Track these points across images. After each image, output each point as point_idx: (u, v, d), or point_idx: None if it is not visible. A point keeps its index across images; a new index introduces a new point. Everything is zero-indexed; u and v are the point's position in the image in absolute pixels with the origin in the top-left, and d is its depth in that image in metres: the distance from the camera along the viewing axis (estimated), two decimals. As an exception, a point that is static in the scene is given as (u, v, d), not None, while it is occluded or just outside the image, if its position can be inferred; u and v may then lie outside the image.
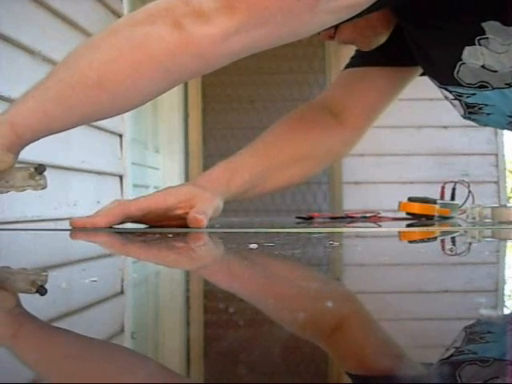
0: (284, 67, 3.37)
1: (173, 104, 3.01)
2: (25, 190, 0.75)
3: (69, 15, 1.54)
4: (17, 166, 0.75)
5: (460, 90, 0.89)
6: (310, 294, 0.35)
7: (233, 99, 3.27)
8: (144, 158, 2.53)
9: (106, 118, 0.78)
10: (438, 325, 0.26)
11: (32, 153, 1.33)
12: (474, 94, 0.88)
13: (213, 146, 3.33)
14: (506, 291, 0.34)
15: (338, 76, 1.14)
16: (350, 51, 1.10)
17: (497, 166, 3.37)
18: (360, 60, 1.07)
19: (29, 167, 0.75)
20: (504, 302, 0.31)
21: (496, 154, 3.37)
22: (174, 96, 3.00)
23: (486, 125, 0.99)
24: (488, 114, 0.93)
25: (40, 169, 0.75)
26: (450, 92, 0.91)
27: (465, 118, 0.97)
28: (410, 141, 3.34)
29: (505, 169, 3.45)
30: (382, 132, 3.32)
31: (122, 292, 0.36)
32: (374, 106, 1.07)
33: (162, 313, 0.31)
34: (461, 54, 0.82)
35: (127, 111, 0.79)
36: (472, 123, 1.03)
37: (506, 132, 3.51)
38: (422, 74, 1.08)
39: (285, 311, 0.29)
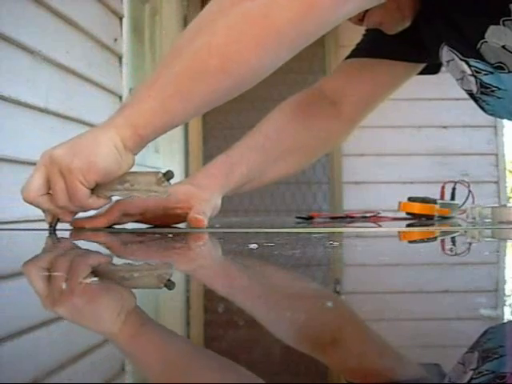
0: (284, 67, 3.37)
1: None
2: (150, 195, 0.73)
3: (69, 15, 1.54)
4: (143, 170, 0.74)
5: (480, 65, 0.88)
6: (309, 294, 0.35)
7: (233, 99, 3.26)
8: (144, 158, 2.53)
9: (227, 100, 0.75)
10: (438, 325, 0.26)
11: (32, 153, 1.33)
12: (492, 73, 0.88)
13: (213, 146, 3.33)
14: (506, 291, 0.34)
15: (338, 66, 1.13)
16: (349, 51, 1.10)
17: (497, 165, 3.37)
18: (361, 51, 1.07)
19: (156, 172, 0.73)
20: (504, 301, 0.31)
21: (496, 154, 3.37)
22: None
23: (492, 114, 0.98)
24: (498, 98, 0.92)
25: (169, 175, 0.73)
26: (470, 66, 0.90)
27: (473, 97, 0.96)
28: (410, 141, 3.34)
29: (505, 169, 3.45)
30: (382, 132, 3.32)
31: (122, 292, 0.36)
32: (372, 96, 1.07)
33: (162, 313, 0.31)
34: (485, 31, 0.83)
35: (247, 88, 0.76)
36: (472, 122, 1.02)
37: (506, 132, 3.50)
38: (420, 73, 1.08)
39: (284, 311, 0.29)
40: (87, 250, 0.60)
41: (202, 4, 3.33)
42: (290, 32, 0.69)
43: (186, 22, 3.18)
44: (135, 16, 2.42)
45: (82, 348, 0.23)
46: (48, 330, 0.26)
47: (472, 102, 0.99)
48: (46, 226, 0.76)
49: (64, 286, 0.35)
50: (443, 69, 1.03)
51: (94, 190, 0.71)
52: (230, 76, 0.71)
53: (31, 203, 0.72)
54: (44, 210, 0.74)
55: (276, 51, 0.71)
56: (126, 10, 1.98)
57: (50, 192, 0.71)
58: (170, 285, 0.37)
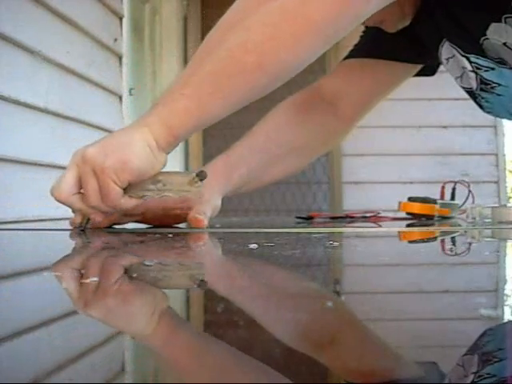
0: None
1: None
2: (182, 195, 0.73)
3: (69, 15, 1.54)
4: (175, 170, 0.73)
5: (481, 61, 0.88)
6: (308, 294, 0.35)
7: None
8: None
9: (262, 96, 0.75)
10: (438, 325, 0.26)
11: (32, 153, 1.33)
12: (493, 69, 0.88)
13: (213, 146, 3.33)
14: (506, 291, 0.34)
15: (337, 66, 1.14)
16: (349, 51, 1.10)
17: (497, 165, 3.37)
18: (359, 51, 1.07)
19: (190, 173, 0.73)
20: (504, 302, 0.31)
21: (496, 154, 3.37)
22: (173, 96, 3.00)
23: (489, 111, 0.98)
24: (498, 95, 0.92)
25: (202, 175, 0.72)
26: (470, 63, 0.90)
27: (472, 95, 0.96)
28: (410, 141, 3.34)
29: (505, 169, 3.44)
30: (382, 132, 3.32)
31: (121, 292, 0.36)
32: (370, 96, 1.07)
33: (162, 313, 0.31)
34: (486, 28, 0.83)
35: (282, 83, 0.75)
36: (472, 122, 1.02)
37: (506, 132, 3.50)
38: (417, 75, 1.08)
39: (285, 311, 0.29)
40: (118, 251, 0.59)
41: (202, 4, 3.33)
42: (327, 27, 0.69)
43: (185, 21, 3.18)
44: (135, 16, 2.42)
45: (82, 348, 0.23)
46: (48, 330, 0.26)
47: (472, 102, 0.99)
48: (45, 226, 0.76)
49: (96, 286, 0.35)
50: (443, 69, 1.03)
51: (126, 189, 0.70)
52: (266, 73, 0.70)
53: (63, 203, 0.71)
54: (74, 210, 0.73)
55: (312, 47, 0.71)
56: (126, 9, 1.98)
57: (82, 191, 0.70)
58: (202, 285, 0.37)
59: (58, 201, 0.71)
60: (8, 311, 0.30)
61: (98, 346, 0.23)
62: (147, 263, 0.45)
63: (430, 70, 1.08)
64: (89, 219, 0.73)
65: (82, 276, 0.40)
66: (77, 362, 0.21)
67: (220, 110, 0.72)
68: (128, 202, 0.71)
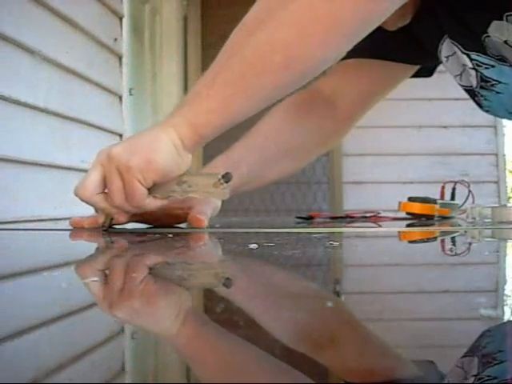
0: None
1: (173, 104, 3.00)
2: (207, 197, 0.72)
3: (69, 15, 1.54)
4: (199, 171, 0.72)
5: (482, 59, 0.88)
6: (309, 294, 0.35)
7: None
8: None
9: (287, 94, 0.74)
10: (438, 325, 0.26)
11: (32, 153, 1.33)
12: (493, 67, 0.88)
13: (213, 146, 3.32)
14: (506, 291, 0.34)
15: (335, 66, 1.14)
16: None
17: (497, 166, 3.37)
18: (357, 52, 1.07)
19: (215, 174, 0.72)
20: (504, 302, 0.31)
21: (496, 154, 3.37)
22: (173, 96, 3.00)
23: (488, 110, 0.98)
24: (497, 93, 0.92)
25: (227, 177, 0.71)
26: (471, 60, 0.90)
27: (471, 93, 0.96)
28: (410, 141, 3.34)
29: (505, 169, 3.44)
30: (382, 132, 3.32)
31: (122, 292, 0.36)
32: (368, 96, 1.07)
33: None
34: (488, 26, 0.83)
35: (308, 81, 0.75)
36: (472, 122, 1.02)
37: (506, 132, 3.49)
38: (413, 76, 1.08)
39: (284, 311, 0.29)
40: (141, 251, 0.59)
41: (202, 4, 3.33)
42: (354, 26, 0.69)
43: (186, 21, 3.18)
44: (135, 16, 2.42)
45: (82, 348, 0.23)
46: (48, 330, 0.26)
47: (472, 102, 0.99)
48: (45, 226, 0.76)
49: (122, 286, 0.35)
50: (443, 69, 1.03)
51: (150, 190, 0.69)
52: (294, 72, 0.70)
53: (87, 202, 0.71)
54: (97, 210, 0.73)
55: (340, 45, 0.71)
56: (126, 9, 1.98)
57: (106, 191, 0.70)
58: (228, 283, 0.37)
59: (82, 200, 0.70)
60: (8, 311, 0.30)
61: (98, 345, 0.23)
62: (171, 262, 0.45)
63: (427, 71, 1.09)
64: (112, 219, 0.73)
65: (105, 276, 0.40)
66: (77, 362, 0.21)
67: (246, 110, 0.72)
68: (152, 203, 0.70)
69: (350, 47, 0.73)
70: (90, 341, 0.24)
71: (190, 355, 0.23)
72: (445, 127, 3.35)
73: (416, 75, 1.08)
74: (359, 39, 0.72)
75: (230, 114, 0.71)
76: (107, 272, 0.43)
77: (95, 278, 0.37)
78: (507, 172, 3.61)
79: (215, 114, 0.69)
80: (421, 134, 3.35)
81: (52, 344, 0.24)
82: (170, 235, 0.70)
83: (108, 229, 0.73)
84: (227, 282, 0.37)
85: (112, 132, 1.86)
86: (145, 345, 0.25)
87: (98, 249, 0.64)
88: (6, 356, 0.22)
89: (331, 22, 0.68)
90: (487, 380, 0.19)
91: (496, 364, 0.21)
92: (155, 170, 0.68)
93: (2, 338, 0.24)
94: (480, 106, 0.98)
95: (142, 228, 0.82)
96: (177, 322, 0.27)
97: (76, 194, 0.70)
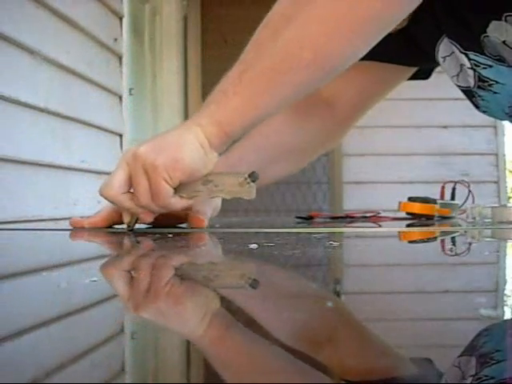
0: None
1: (173, 104, 3.01)
2: (233, 196, 0.71)
3: (69, 15, 1.54)
4: (225, 171, 0.72)
5: (480, 59, 0.89)
6: (309, 294, 0.35)
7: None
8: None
9: (315, 90, 0.74)
10: (438, 325, 0.26)
11: (32, 153, 1.33)
12: (491, 67, 0.89)
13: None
14: (506, 291, 0.34)
15: None
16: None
17: (497, 165, 3.37)
18: None
19: (242, 173, 0.72)
20: (504, 302, 0.31)
21: (496, 154, 3.37)
22: (173, 96, 3.00)
23: (485, 111, 0.98)
24: (495, 93, 0.92)
25: (254, 176, 0.71)
26: (469, 60, 0.90)
27: (469, 93, 0.96)
28: (410, 141, 3.34)
29: (505, 169, 3.45)
30: (382, 132, 3.32)
31: (122, 292, 0.36)
32: (367, 97, 1.07)
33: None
34: (487, 26, 0.83)
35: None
36: (472, 122, 1.02)
37: (505, 131, 3.49)
38: (411, 79, 1.08)
39: (284, 311, 0.29)
40: (168, 251, 0.58)
41: (202, 4, 3.33)
42: (383, 20, 0.69)
43: (185, 21, 3.18)
44: (135, 16, 2.42)
45: (82, 348, 0.23)
46: (48, 330, 0.26)
47: (471, 103, 0.99)
48: (45, 226, 0.76)
49: (148, 287, 0.35)
50: (441, 69, 1.03)
51: (176, 189, 0.69)
52: (323, 68, 0.70)
53: (112, 201, 0.70)
54: (122, 210, 0.72)
55: (368, 40, 0.70)
56: (126, 9, 1.98)
57: (132, 191, 0.69)
58: (254, 284, 0.37)
59: (107, 199, 0.70)
60: (8, 311, 0.30)
61: (98, 345, 0.23)
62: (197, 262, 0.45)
63: (424, 73, 1.09)
64: (137, 219, 0.72)
65: (132, 276, 0.40)
66: (77, 362, 0.21)
67: (273, 107, 0.72)
68: (178, 202, 0.70)
69: (377, 41, 0.72)
70: (90, 341, 0.24)
71: (216, 356, 0.22)
72: (445, 127, 3.35)
73: (413, 77, 1.08)
74: (386, 33, 0.72)
75: (258, 112, 0.70)
76: (133, 272, 0.43)
77: (94, 278, 0.37)
78: (507, 172, 3.61)
79: (242, 113, 0.69)
80: (421, 134, 3.35)
81: (52, 344, 0.24)
82: (170, 235, 0.70)
83: (133, 229, 0.73)
84: (254, 283, 0.37)
85: (112, 132, 1.86)
86: (145, 345, 0.25)
87: (119, 248, 0.65)
88: (6, 356, 0.22)
89: (360, 17, 0.67)
90: (486, 380, 0.19)
91: (495, 364, 0.21)
92: (182, 169, 0.67)
93: (2, 337, 0.24)
94: (477, 106, 0.98)
95: (142, 228, 0.82)
96: (203, 324, 0.27)
97: (101, 193, 0.70)
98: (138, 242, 0.67)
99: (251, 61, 0.70)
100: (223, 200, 0.88)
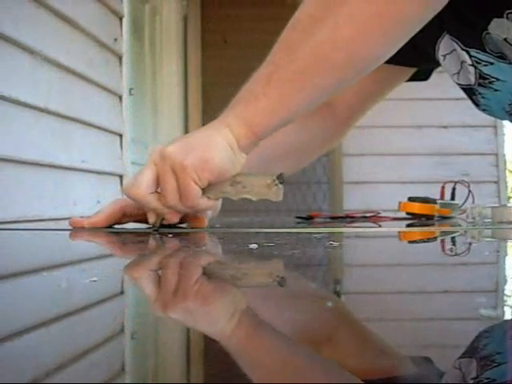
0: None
1: (173, 104, 3.01)
2: (261, 198, 0.71)
3: (69, 15, 1.54)
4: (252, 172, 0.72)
5: (481, 56, 0.89)
6: (309, 294, 0.35)
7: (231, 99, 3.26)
8: (144, 158, 2.53)
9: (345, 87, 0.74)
10: (438, 325, 0.26)
11: (32, 153, 1.33)
12: (492, 64, 0.89)
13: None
14: (506, 291, 0.34)
15: None
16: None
17: (497, 165, 3.37)
18: None
19: (270, 175, 0.71)
20: (504, 302, 0.31)
21: (496, 154, 3.37)
22: (173, 96, 3.00)
23: (485, 109, 0.98)
24: (495, 91, 0.92)
25: (281, 178, 0.71)
26: (470, 57, 0.90)
27: (469, 91, 0.96)
28: (410, 141, 3.34)
29: (505, 169, 3.45)
30: (382, 132, 3.32)
31: (122, 292, 0.36)
32: (366, 98, 1.08)
33: (162, 313, 0.31)
34: (488, 23, 0.83)
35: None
36: (472, 122, 1.02)
37: (505, 131, 3.49)
38: (410, 80, 1.09)
39: (284, 311, 0.29)
40: (195, 250, 0.58)
41: (202, 4, 3.33)
42: (414, 20, 0.69)
43: (186, 21, 3.18)
44: (135, 16, 2.42)
45: (82, 348, 0.23)
46: (48, 330, 0.26)
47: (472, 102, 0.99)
48: (45, 226, 0.76)
49: (177, 286, 0.35)
50: (442, 69, 1.03)
51: (204, 190, 0.68)
52: (355, 69, 0.70)
53: (139, 201, 0.69)
54: (148, 210, 0.71)
55: (400, 39, 0.70)
56: (125, 9, 1.98)
57: (158, 191, 0.68)
58: (282, 282, 0.37)
59: (134, 199, 0.69)
60: (8, 311, 0.30)
61: (98, 345, 0.23)
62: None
63: (423, 74, 1.09)
64: (163, 219, 0.71)
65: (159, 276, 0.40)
66: (77, 362, 0.21)
67: (303, 107, 0.72)
68: (206, 203, 0.69)
69: (407, 39, 0.72)
70: (90, 341, 0.24)
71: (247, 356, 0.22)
72: (445, 127, 3.35)
73: (412, 79, 1.08)
74: (415, 32, 0.72)
75: (288, 113, 0.70)
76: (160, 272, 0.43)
77: (94, 278, 0.37)
78: (507, 172, 3.61)
79: (273, 113, 0.69)
80: (421, 134, 3.35)
81: (52, 344, 0.24)
82: (170, 235, 0.70)
83: (158, 229, 0.72)
84: (282, 281, 0.37)
85: (112, 132, 1.86)
86: (145, 345, 0.25)
87: (122, 248, 0.64)
88: (6, 356, 0.22)
89: (393, 17, 0.67)
90: (485, 381, 0.19)
91: (495, 364, 0.21)
92: (211, 170, 0.67)
93: (2, 337, 0.24)
94: (477, 104, 0.98)
95: (142, 228, 0.81)
96: (231, 323, 0.27)
97: (127, 193, 0.69)
98: (126, 243, 0.67)
99: (280, 62, 0.69)
100: (223, 200, 0.88)
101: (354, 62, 0.69)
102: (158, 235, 0.72)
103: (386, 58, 0.73)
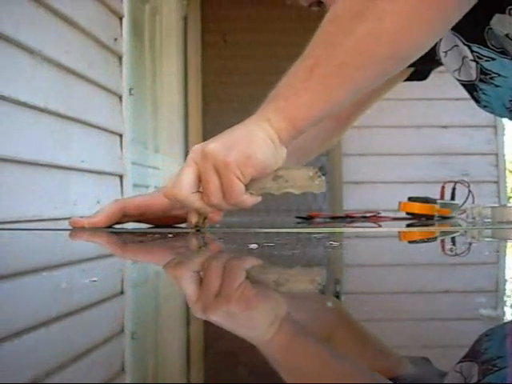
0: (284, 67, 3.37)
1: (173, 104, 3.00)
2: (304, 191, 0.71)
3: (69, 15, 1.54)
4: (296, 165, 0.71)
5: (483, 51, 0.89)
6: (309, 294, 0.35)
7: (233, 99, 3.26)
8: (144, 158, 2.53)
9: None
10: (438, 325, 0.26)
11: (32, 153, 1.33)
12: (493, 60, 0.89)
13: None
14: (506, 291, 0.34)
15: None
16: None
17: (497, 165, 3.37)
18: None
19: (311, 167, 0.71)
20: (504, 302, 0.31)
21: (496, 154, 3.37)
22: (174, 96, 3.00)
23: (485, 106, 0.98)
24: (496, 86, 0.93)
25: (323, 170, 0.71)
26: (472, 52, 0.91)
27: (470, 87, 0.96)
28: (410, 141, 3.35)
29: (505, 169, 3.45)
30: (382, 132, 3.32)
31: (121, 292, 0.36)
32: (366, 97, 1.08)
33: (162, 313, 0.31)
34: (490, 19, 0.83)
35: None
36: (472, 122, 1.02)
37: (505, 131, 3.49)
38: (408, 80, 1.09)
39: (284, 311, 0.29)
40: (238, 253, 0.56)
41: (202, 4, 3.33)
42: (455, 12, 0.69)
43: (186, 21, 3.18)
44: (135, 16, 2.42)
45: (82, 348, 0.23)
46: (48, 330, 0.26)
47: (472, 102, 0.99)
48: (45, 226, 0.76)
49: (219, 289, 0.35)
50: (443, 69, 1.03)
51: (246, 187, 0.67)
52: (399, 61, 0.70)
53: (182, 202, 0.68)
54: (190, 210, 0.70)
55: (442, 31, 0.71)
56: (125, 9, 1.97)
57: (200, 190, 0.67)
58: (323, 290, 0.37)
59: (177, 200, 0.68)
60: (8, 311, 0.30)
61: (98, 345, 0.23)
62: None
63: (421, 73, 1.09)
64: (205, 218, 0.70)
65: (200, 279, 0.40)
66: (77, 362, 0.21)
67: (345, 100, 0.71)
68: (249, 200, 0.68)
69: (447, 30, 0.73)
70: (90, 341, 0.24)
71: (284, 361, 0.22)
72: (445, 127, 3.35)
73: (410, 78, 1.08)
74: (454, 23, 0.72)
75: (329, 106, 0.70)
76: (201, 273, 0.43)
77: (94, 278, 0.37)
78: (507, 172, 3.61)
79: (314, 107, 0.68)
80: (421, 134, 3.35)
81: (52, 344, 0.24)
82: (170, 235, 0.70)
83: (201, 229, 0.71)
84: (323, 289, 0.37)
85: (112, 132, 1.85)
86: (145, 345, 0.25)
87: (124, 248, 0.64)
88: (5, 356, 0.22)
89: (437, 12, 0.67)
90: (485, 382, 0.19)
91: (495, 366, 0.21)
92: (254, 165, 0.66)
93: (2, 337, 0.24)
94: (477, 101, 0.98)
95: (142, 228, 0.82)
96: (272, 328, 0.26)
97: (169, 194, 0.68)
98: (126, 243, 0.67)
99: (321, 56, 0.69)
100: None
101: (398, 54, 0.69)
102: (157, 235, 0.72)
103: (429, 47, 0.72)
